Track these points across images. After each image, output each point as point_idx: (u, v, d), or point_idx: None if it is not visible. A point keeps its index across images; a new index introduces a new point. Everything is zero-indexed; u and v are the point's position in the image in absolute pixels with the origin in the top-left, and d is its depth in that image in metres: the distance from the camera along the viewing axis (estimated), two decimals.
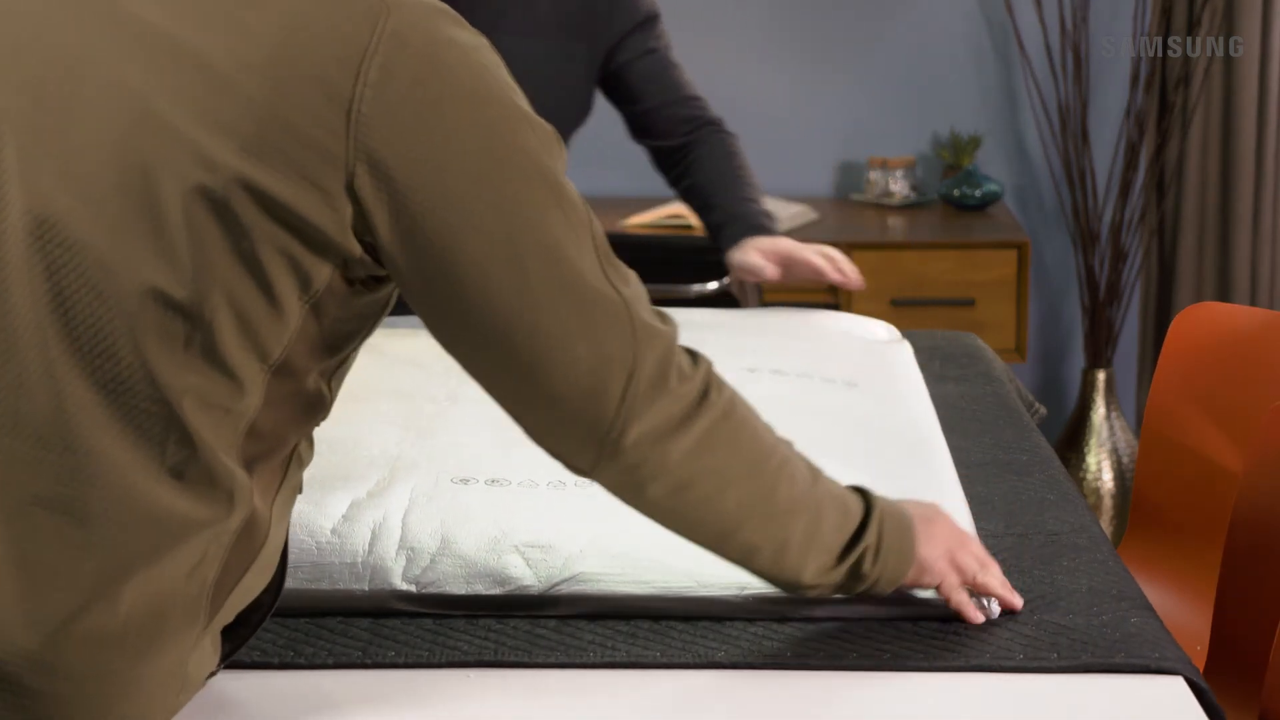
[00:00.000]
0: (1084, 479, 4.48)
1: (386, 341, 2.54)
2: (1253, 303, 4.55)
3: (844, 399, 2.31)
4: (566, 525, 1.86)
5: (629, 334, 1.53)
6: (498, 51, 1.53)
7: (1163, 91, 4.51)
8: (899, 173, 4.58)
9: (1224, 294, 4.55)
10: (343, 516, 1.86)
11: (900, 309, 4.14)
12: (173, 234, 1.42)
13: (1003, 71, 4.66)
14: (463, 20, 1.50)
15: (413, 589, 1.76)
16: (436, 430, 2.12)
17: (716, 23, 4.65)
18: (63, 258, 1.42)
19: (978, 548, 1.77)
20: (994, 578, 1.75)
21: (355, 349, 1.58)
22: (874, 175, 4.61)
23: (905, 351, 2.60)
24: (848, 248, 4.16)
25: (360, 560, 1.79)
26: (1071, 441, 4.53)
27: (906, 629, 1.74)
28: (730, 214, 2.90)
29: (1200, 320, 2.57)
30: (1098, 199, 4.56)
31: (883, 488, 1.98)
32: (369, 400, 2.25)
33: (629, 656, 1.68)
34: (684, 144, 3.14)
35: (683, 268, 3.86)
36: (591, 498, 1.93)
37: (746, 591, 1.76)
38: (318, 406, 1.56)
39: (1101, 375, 4.54)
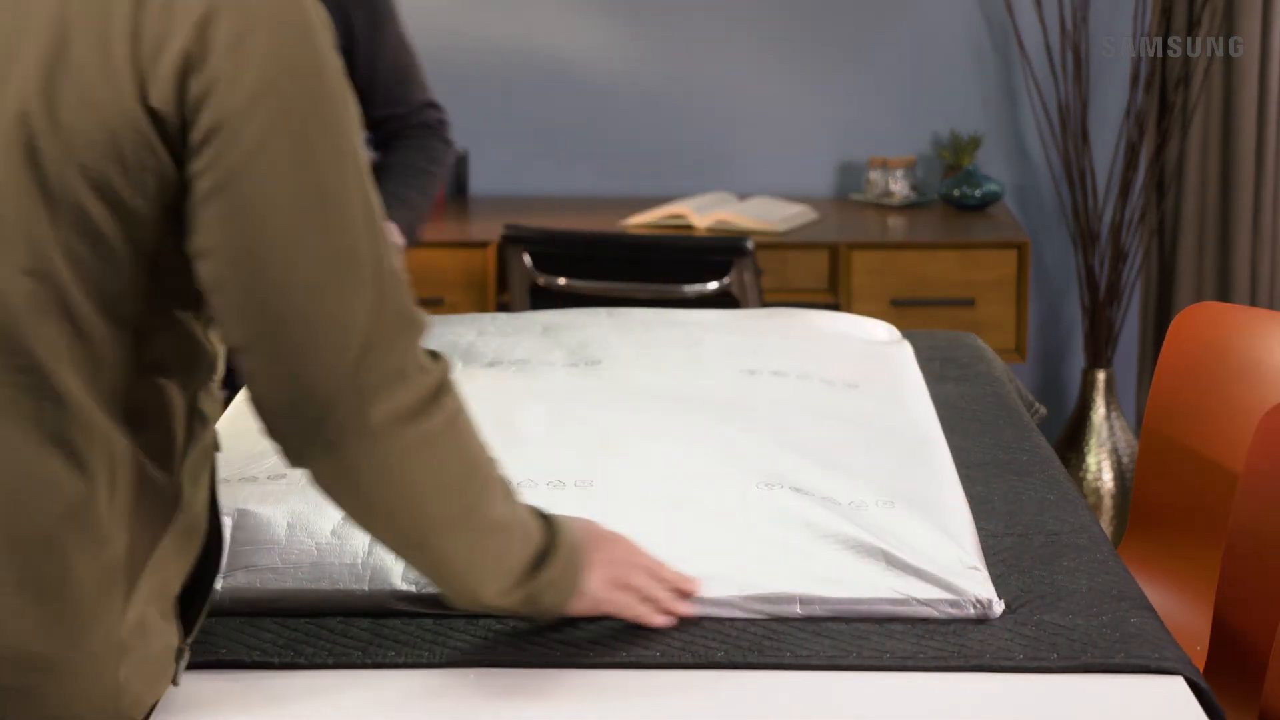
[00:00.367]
0: (1084, 479, 4.48)
1: None
2: (1253, 303, 4.55)
3: (844, 399, 2.31)
4: None
5: (379, 309, 1.50)
6: None
7: (1163, 91, 4.51)
8: (899, 173, 4.58)
9: (1224, 294, 4.55)
10: (342, 518, 1.86)
11: (900, 309, 4.14)
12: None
13: (1003, 71, 4.67)
14: None
15: (413, 589, 1.76)
16: None
17: (717, 23, 4.65)
18: None
19: (645, 559, 1.75)
20: (663, 592, 1.74)
21: None
22: (874, 175, 4.61)
23: (905, 352, 2.60)
24: (848, 248, 4.16)
25: (360, 561, 1.79)
26: (1071, 441, 4.53)
27: (906, 629, 1.74)
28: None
29: (1200, 320, 2.57)
30: (1098, 199, 4.56)
31: (883, 488, 1.99)
32: None
33: (629, 656, 1.68)
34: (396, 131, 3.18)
35: (683, 268, 3.86)
36: (591, 498, 1.93)
37: (747, 592, 1.76)
38: (197, 357, 1.55)
39: (1101, 375, 4.54)
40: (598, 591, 1.71)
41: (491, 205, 4.59)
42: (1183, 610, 2.44)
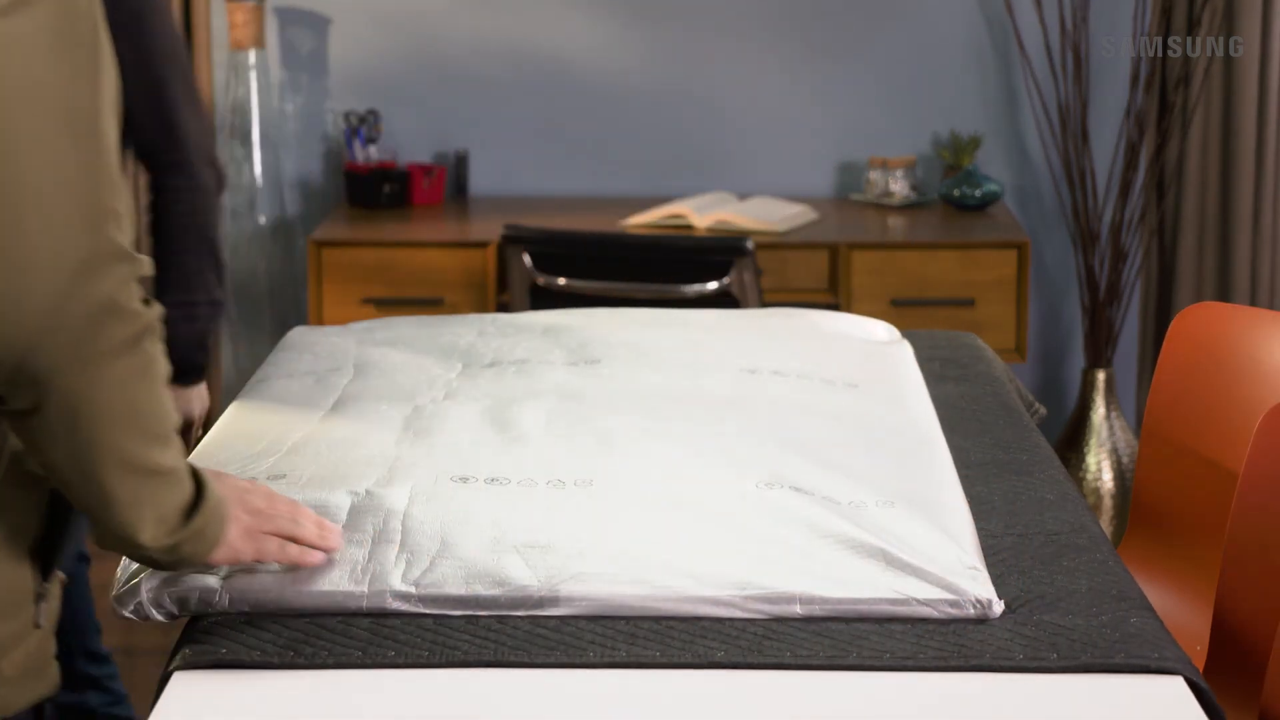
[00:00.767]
0: (1084, 479, 4.48)
1: (385, 342, 2.55)
2: (1253, 303, 4.55)
3: (844, 399, 2.31)
4: (566, 525, 1.86)
5: (103, 237, 1.54)
6: None
7: (1163, 91, 4.51)
8: (899, 173, 4.58)
9: (1224, 294, 4.55)
10: (343, 522, 1.86)
11: (900, 309, 4.14)
12: None
13: (1003, 71, 4.67)
14: None
15: (412, 589, 1.76)
16: (435, 429, 2.12)
17: (717, 23, 4.66)
18: None
19: (283, 505, 1.80)
20: (308, 532, 1.79)
21: None
22: (874, 175, 4.61)
23: (905, 352, 2.60)
24: (848, 248, 4.16)
25: (360, 564, 1.79)
26: (1071, 441, 4.53)
27: (906, 629, 1.74)
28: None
29: (1200, 320, 2.57)
30: (1098, 199, 4.56)
31: (883, 488, 1.99)
32: (368, 401, 2.25)
33: (629, 656, 1.68)
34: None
35: (683, 268, 3.86)
36: (591, 497, 1.93)
37: (747, 592, 1.76)
38: None
39: (1101, 375, 4.54)
40: (237, 541, 1.75)
41: (491, 205, 4.59)
42: (1183, 610, 2.44)
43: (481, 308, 4.16)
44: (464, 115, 4.72)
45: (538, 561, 1.79)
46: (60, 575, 1.75)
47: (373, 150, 4.60)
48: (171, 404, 1.66)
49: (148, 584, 1.77)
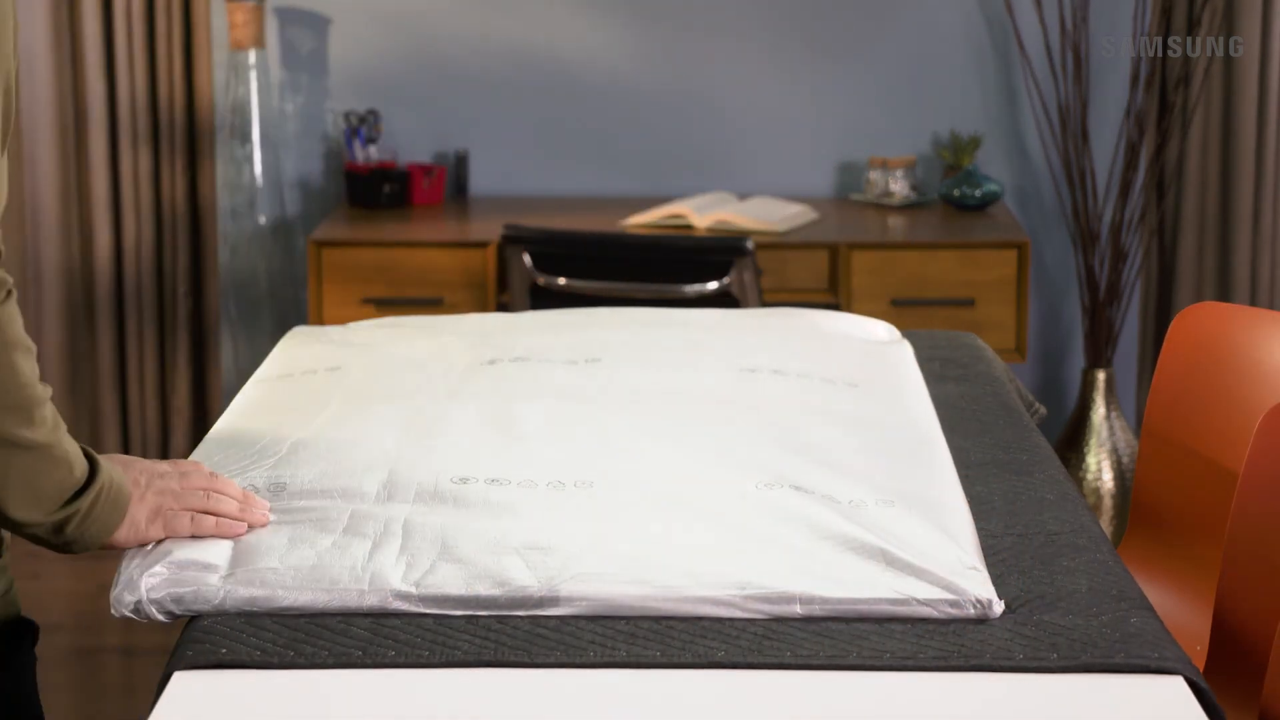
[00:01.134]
0: (1084, 479, 4.48)
1: (385, 342, 2.55)
2: (1253, 303, 4.55)
3: (844, 399, 2.31)
4: (566, 525, 1.86)
5: None
6: None
7: (1163, 91, 4.51)
8: (899, 173, 4.58)
9: (1224, 294, 4.55)
10: (343, 530, 1.86)
11: (900, 309, 4.14)
12: None
13: (1003, 71, 4.67)
14: None
15: (413, 590, 1.76)
16: (435, 431, 2.12)
17: (717, 23, 4.66)
18: None
19: (201, 481, 1.85)
20: (225, 505, 1.85)
21: None
22: (874, 175, 4.61)
23: (905, 351, 2.60)
24: (848, 248, 4.16)
25: (360, 565, 1.80)
26: (1071, 441, 4.53)
27: (906, 629, 1.74)
28: None
29: (1200, 320, 2.57)
30: (1098, 199, 4.56)
31: (883, 488, 1.99)
32: (368, 402, 2.25)
33: (629, 656, 1.68)
34: None
35: (683, 268, 3.86)
36: (591, 498, 1.93)
37: (747, 592, 1.76)
38: None
39: (1101, 375, 4.54)
40: (142, 522, 1.81)
41: (491, 205, 4.59)
42: (1183, 610, 2.44)
43: (481, 308, 4.16)
44: (464, 115, 4.72)
45: (538, 562, 1.79)
46: None
47: (373, 150, 4.60)
48: (35, 379, 1.70)
49: (147, 583, 1.77)
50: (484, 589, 1.76)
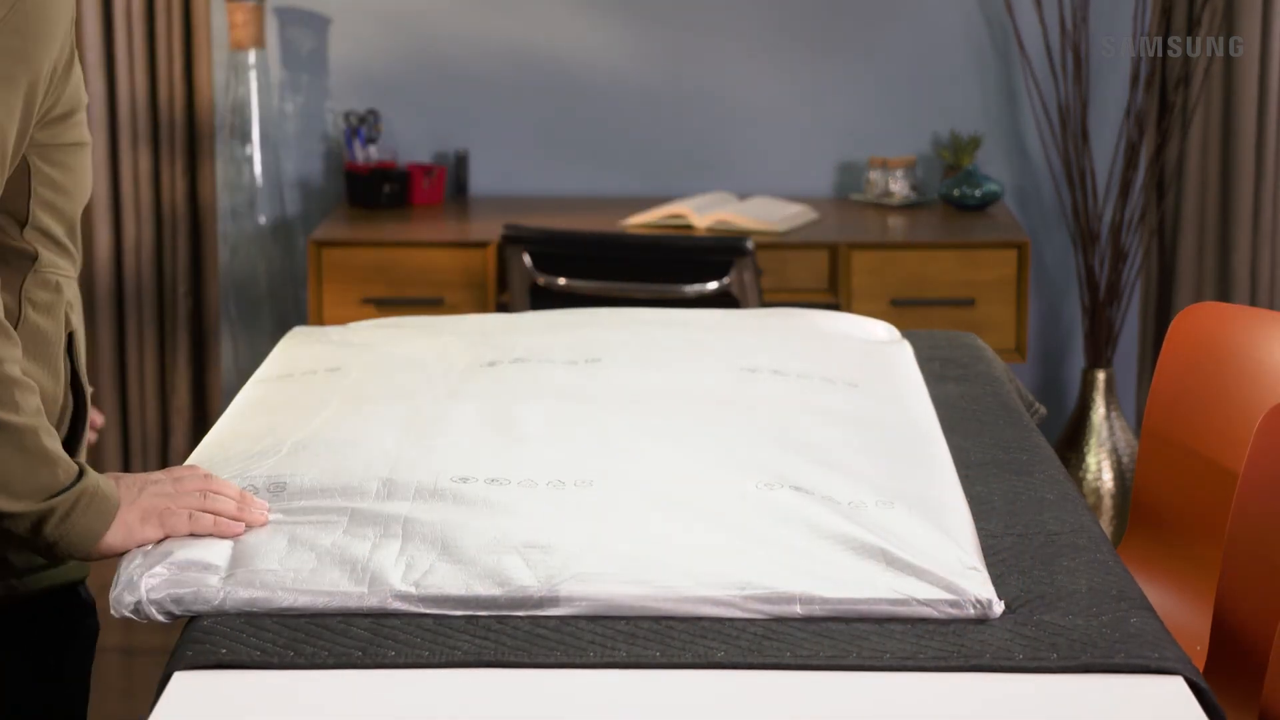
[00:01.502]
0: (1084, 479, 4.48)
1: (385, 343, 2.55)
2: (1253, 303, 4.55)
3: (844, 399, 2.31)
4: (566, 525, 1.86)
5: None
6: None
7: (1163, 91, 4.51)
8: (899, 173, 4.58)
9: (1224, 294, 4.55)
10: (344, 530, 1.86)
11: (900, 309, 4.14)
12: None
13: (1003, 71, 4.67)
14: None
15: (413, 590, 1.76)
16: (435, 431, 2.12)
17: (716, 22, 4.66)
18: None
19: (196, 484, 1.87)
20: (221, 504, 1.87)
21: None
22: (874, 175, 4.61)
23: (905, 351, 2.60)
24: (848, 248, 4.16)
25: (360, 565, 1.80)
26: (1071, 441, 4.53)
27: (906, 629, 1.74)
28: None
29: (1200, 320, 2.57)
30: (1098, 199, 4.56)
31: (883, 488, 1.99)
32: (368, 402, 2.25)
33: (629, 656, 1.68)
34: None
35: (683, 268, 3.86)
36: (591, 498, 1.93)
37: (747, 592, 1.76)
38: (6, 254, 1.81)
39: (1101, 375, 4.54)
40: (135, 524, 1.83)
41: (491, 205, 4.59)
42: (1183, 610, 2.44)
43: (481, 308, 4.16)
44: (464, 115, 4.72)
45: (538, 562, 1.79)
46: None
47: (373, 150, 4.60)
48: (13, 362, 1.74)
49: (147, 584, 1.77)
50: (484, 589, 1.76)
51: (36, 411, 1.77)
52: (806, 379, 2.37)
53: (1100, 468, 4.49)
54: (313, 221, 4.73)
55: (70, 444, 1.91)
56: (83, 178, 1.91)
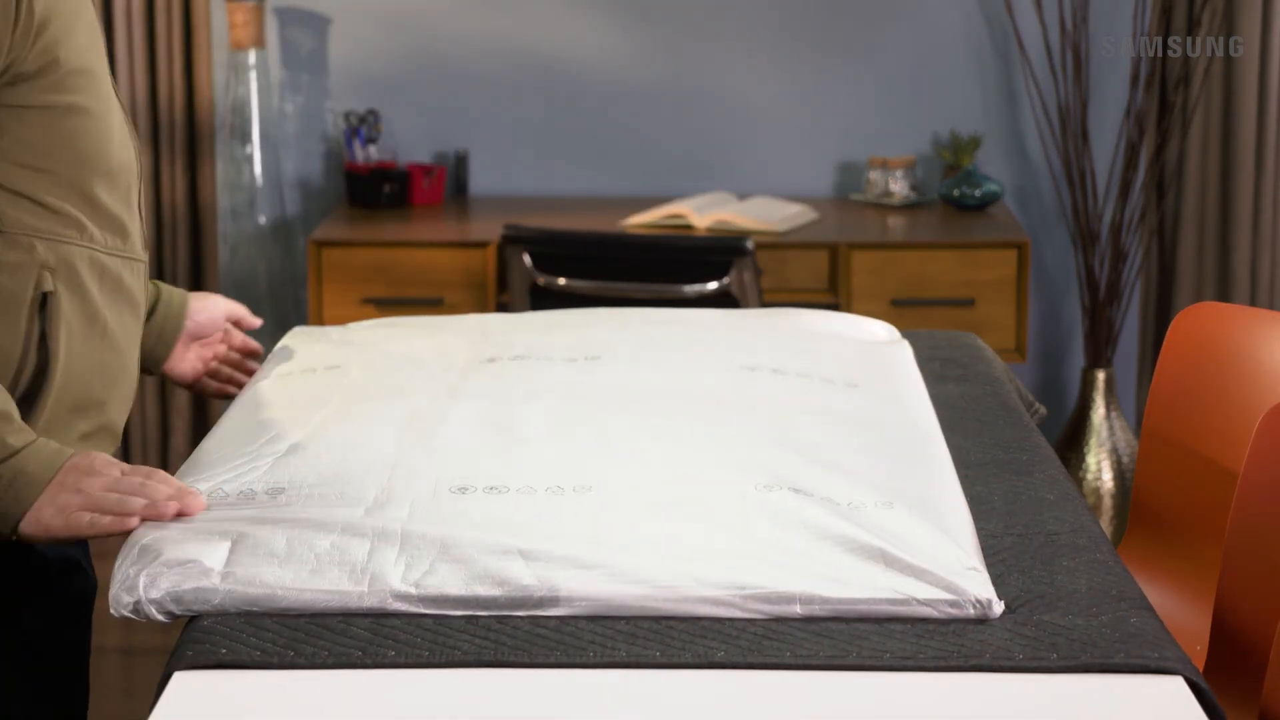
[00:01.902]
0: (1084, 479, 4.48)
1: (384, 342, 2.55)
2: (1253, 303, 4.55)
3: (844, 399, 2.31)
4: (566, 525, 1.86)
5: None
6: None
7: (1163, 91, 4.51)
8: (899, 173, 4.58)
9: (1224, 294, 4.55)
10: (342, 530, 1.86)
11: (900, 309, 4.14)
12: None
13: (1003, 71, 4.67)
14: None
15: (413, 590, 1.76)
16: (434, 431, 2.12)
17: (716, 23, 4.66)
18: None
19: (125, 485, 1.88)
20: (157, 490, 1.88)
21: None
22: (874, 175, 4.61)
23: (905, 351, 2.60)
24: (848, 248, 4.16)
25: (359, 566, 1.79)
26: (1071, 441, 4.53)
27: (906, 629, 1.74)
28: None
29: (1200, 320, 2.57)
30: (1098, 199, 4.56)
31: (882, 488, 1.99)
32: (367, 401, 2.25)
33: (629, 656, 1.68)
34: None
35: (683, 268, 3.86)
36: (590, 498, 1.93)
37: (747, 592, 1.76)
38: None
39: (1101, 375, 4.54)
40: (47, 515, 1.85)
41: (491, 205, 4.59)
42: (1183, 610, 2.44)
43: (481, 308, 4.16)
44: (464, 115, 4.72)
45: (538, 561, 1.79)
46: None
47: (373, 150, 4.60)
48: None
49: (146, 583, 1.77)
50: (484, 589, 1.76)
51: None
52: (806, 379, 2.37)
53: (1100, 468, 4.49)
54: (313, 221, 4.73)
55: (27, 405, 1.92)
56: (80, 143, 1.93)
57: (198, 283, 4.66)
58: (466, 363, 2.41)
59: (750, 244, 3.80)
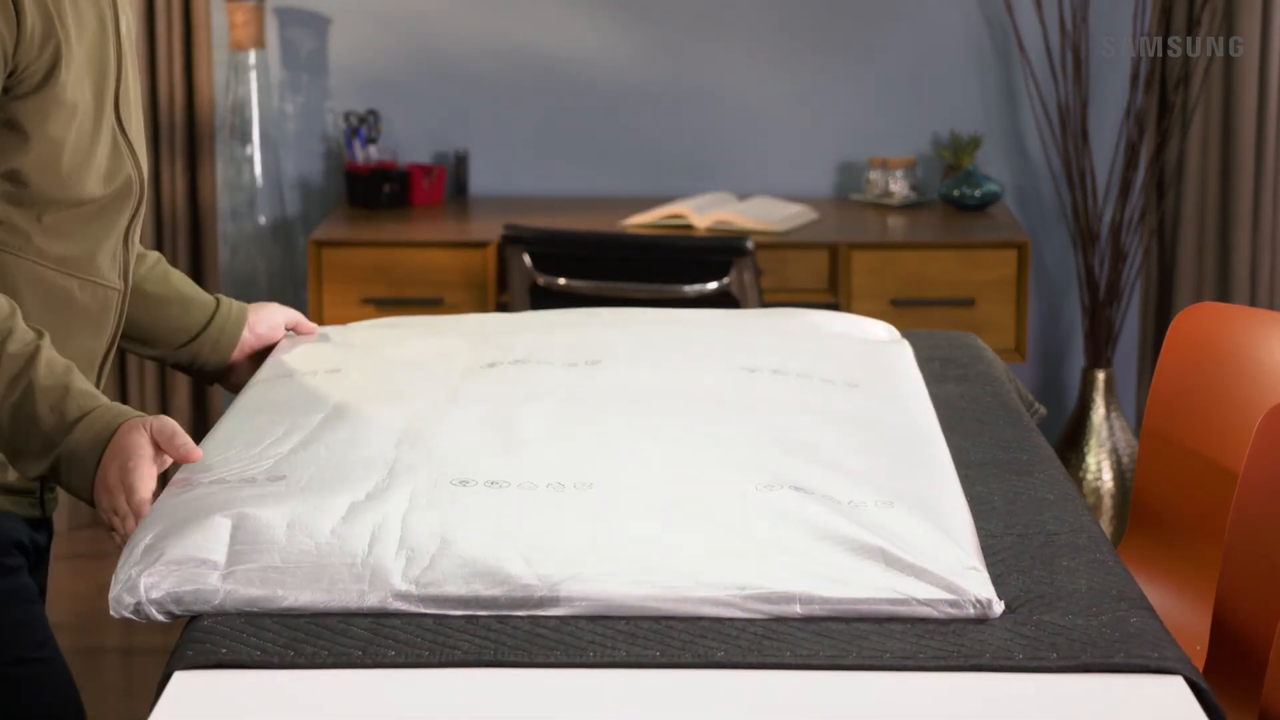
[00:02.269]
0: (1084, 479, 4.48)
1: (384, 344, 2.54)
2: (1253, 303, 4.55)
3: (844, 399, 2.31)
4: (566, 525, 1.86)
5: None
6: None
7: (1163, 91, 4.51)
8: (899, 173, 4.58)
9: (1224, 294, 4.55)
10: (341, 518, 1.86)
11: (900, 309, 4.14)
12: None
13: (1003, 71, 4.67)
14: None
15: (412, 589, 1.76)
16: (435, 432, 2.12)
17: (716, 23, 4.66)
18: None
19: (120, 504, 1.92)
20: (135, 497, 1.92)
21: None
22: (874, 175, 4.61)
23: (905, 351, 2.60)
24: (848, 248, 4.16)
25: (360, 560, 1.79)
26: (1071, 441, 4.53)
27: (906, 629, 1.74)
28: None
29: (1200, 320, 2.57)
30: (1098, 199, 4.56)
31: (882, 488, 1.99)
32: (367, 402, 2.25)
33: (629, 656, 1.68)
34: None
35: (683, 268, 3.86)
36: (591, 499, 1.93)
37: (747, 592, 1.76)
38: None
39: (1101, 375, 4.54)
40: (100, 489, 1.92)
41: (491, 205, 4.59)
42: (1183, 610, 2.44)
43: (481, 308, 4.16)
44: (464, 115, 4.72)
45: (538, 561, 1.79)
46: None
47: (373, 150, 4.60)
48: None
49: (147, 584, 1.77)
50: (484, 588, 1.76)
51: (27, 346, 1.91)
52: (806, 379, 2.36)
53: (1100, 468, 4.49)
54: (313, 221, 4.73)
55: None
56: (39, 174, 1.97)
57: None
58: (466, 367, 2.41)
59: (750, 244, 3.80)
